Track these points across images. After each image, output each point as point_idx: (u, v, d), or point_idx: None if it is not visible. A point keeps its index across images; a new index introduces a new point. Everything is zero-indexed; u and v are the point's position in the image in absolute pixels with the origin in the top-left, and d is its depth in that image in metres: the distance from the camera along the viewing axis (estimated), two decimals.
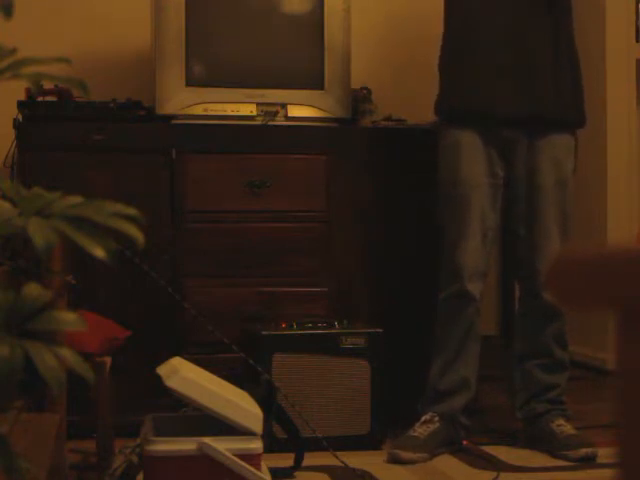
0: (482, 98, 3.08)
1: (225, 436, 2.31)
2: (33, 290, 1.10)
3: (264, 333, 3.10)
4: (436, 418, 3.08)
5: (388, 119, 3.63)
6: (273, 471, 2.46)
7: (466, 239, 3.08)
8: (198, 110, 3.36)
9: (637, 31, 4.33)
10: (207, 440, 2.29)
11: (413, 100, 3.85)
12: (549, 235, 3.08)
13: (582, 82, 3.16)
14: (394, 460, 2.96)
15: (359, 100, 3.57)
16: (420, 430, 3.06)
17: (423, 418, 3.09)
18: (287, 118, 3.42)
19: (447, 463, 2.98)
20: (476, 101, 3.09)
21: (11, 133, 3.28)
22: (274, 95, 3.42)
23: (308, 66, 3.48)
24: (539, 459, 3.00)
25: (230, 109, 3.39)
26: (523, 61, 3.04)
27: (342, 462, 2.74)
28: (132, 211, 1.11)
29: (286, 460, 2.79)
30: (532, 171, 3.09)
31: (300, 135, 3.41)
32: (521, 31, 3.05)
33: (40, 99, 3.30)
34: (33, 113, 3.26)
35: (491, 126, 3.08)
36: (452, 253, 3.10)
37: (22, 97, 3.27)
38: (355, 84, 3.55)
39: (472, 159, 3.08)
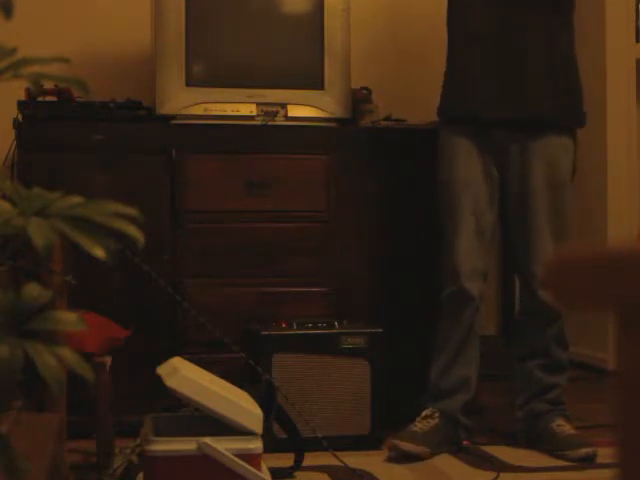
0: (479, 101, 3.08)
1: (225, 436, 2.31)
2: (33, 290, 1.10)
3: (264, 333, 3.10)
4: (436, 414, 3.09)
5: (388, 119, 3.63)
6: (273, 471, 2.46)
7: (461, 239, 3.09)
8: (198, 110, 3.37)
9: (637, 31, 4.34)
10: (207, 440, 2.29)
11: (413, 100, 3.85)
12: (541, 236, 3.08)
13: (580, 82, 3.16)
14: (394, 451, 2.96)
15: (359, 100, 3.57)
16: (420, 425, 3.06)
17: (423, 413, 3.10)
18: (287, 118, 3.42)
19: (447, 463, 2.98)
20: (473, 104, 3.09)
21: (11, 133, 3.28)
22: (274, 95, 3.42)
23: (308, 66, 3.48)
24: (539, 459, 3.00)
25: (230, 109, 3.39)
26: (516, 63, 3.05)
27: (342, 462, 2.74)
28: (132, 211, 1.11)
29: (286, 460, 2.79)
30: (525, 172, 3.09)
31: (300, 135, 3.41)
32: (517, 33, 3.05)
33: (40, 99, 3.30)
34: (33, 113, 3.26)
35: (485, 129, 3.08)
36: (449, 253, 3.11)
37: (22, 97, 3.27)
38: (355, 84, 3.55)
39: (467, 161, 3.09)
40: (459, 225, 3.09)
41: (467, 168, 3.09)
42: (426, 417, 3.09)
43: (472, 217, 3.09)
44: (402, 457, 2.96)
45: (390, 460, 2.97)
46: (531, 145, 3.08)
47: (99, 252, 1.05)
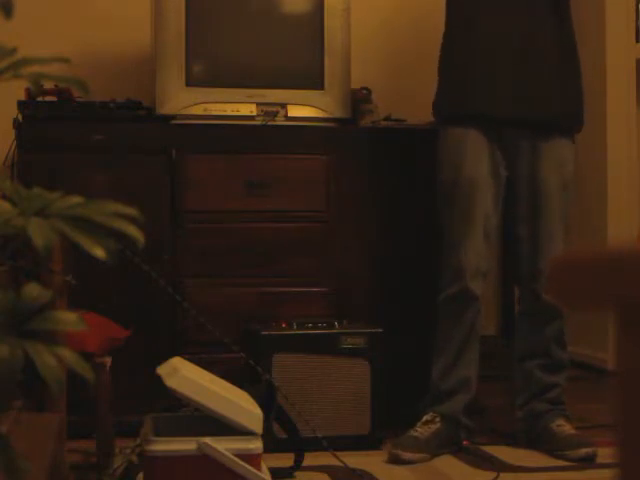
0: (481, 99, 3.07)
1: (225, 436, 2.31)
2: (33, 290, 1.10)
3: (264, 333, 3.10)
4: (437, 418, 3.08)
5: (388, 119, 3.63)
6: (273, 471, 2.46)
7: (469, 239, 3.08)
8: (198, 110, 3.37)
9: (637, 31, 4.34)
10: (207, 440, 2.29)
11: (413, 100, 3.85)
12: (553, 236, 3.08)
13: (582, 85, 3.16)
14: (395, 460, 2.96)
15: (359, 100, 3.57)
16: (421, 430, 3.05)
17: (424, 418, 3.09)
18: (287, 118, 3.42)
19: (447, 463, 2.98)
20: (475, 102, 3.09)
21: (11, 133, 3.28)
22: (274, 95, 3.42)
23: (308, 66, 3.48)
24: (539, 459, 3.00)
25: (230, 109, 3.39)
26: (527, 62, 3.04)
27: (342, 462, 2.74)
28: (132, 211, 1.11)
29: (286, 460, 2.79)
30: (535, 173, 3.08)
31: (300, 135, 3.41)
32: (525, 32, 3.04)
33: (40, 99, 3.30)
34: (33, 113, 3.26)
35: (492, 127, 3.08)
36: (455, 253, 3.10)
37: (22, 97, 3.27)
38: (355, 84, 3.55)
39: (476, 159, 3.08)
40: (467, 225, 3.07)
41: (476, 168, 3.07)
42: (427, 422, 3.08)
43: (480, 217, 3.08)
44: (403, 464, 2.96)
45: (389, 461, 2.97)
46: (540, 145, 3.07)
47: (99, 252, 1.05)
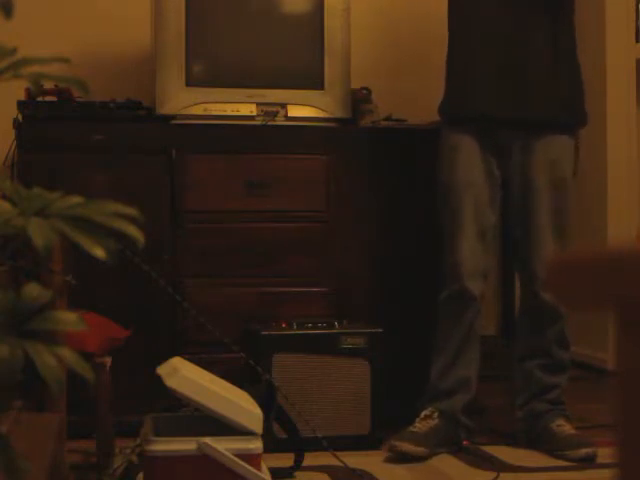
0: (481, 100, 3.08)
1: (225, 436, 2.31)
2: (33, 290, 1.10)
3: (264, 333, 3.10)
4: (436, 414, 3.09)
5: (388, 119, 3.63)
6: (273, 471, 2.46)
7: (462, 239, 3.09)
8: (198, 110, 3.37)
9: (637, 31, 4.34)
10: (207, 440, 2.29)
11: (413, 100, 3.85)
12: (543, 236, 3.08)
13: (582, 83, 3.16)
14: (393, 453, 2.96)
15: (359, 100, 3.57)
16: (420, 425, 3.06)
17: (423, 414, 3.09)
18: (287, 118, 3.42)
19: (447, 463, 2.98)
20: (475, 103, 3.09)
21: (11, 133, 3.28)
22: (274, 95, 3.42)
23: (308, 66, 3.48)
24: (539, 459, 3.00)
25: (230, 109, 3.39)
26: (521, 62, 3.04)
27: (342, 462, 2.74)
28: (132, 211, 1.11)
29: (286, 460, 2.79)
30: (526, 172, 3.09)
31: (300, 135, 3.41)
32: (520, 32, 3.05)
33: (40, 99, 3.30)
34: (33, 113, 3.26)
35: (489, 128, 3.08)
36: (450, 253, 3.11)
37: (22, 97, 3.27)
38: (355, 84, 3.55)
39: (469, 162, 3.09)
40: (461, 226, 3.08)
41: (468, 169, 3.09)
42: (426, 417, 3.08)
43: (474, 218, 3.08)
44: (401, 458, 2.96)
45: (389, 460, 2.97)
46: (533, 144, 3.08)
47: (99, 252, 1.05)
